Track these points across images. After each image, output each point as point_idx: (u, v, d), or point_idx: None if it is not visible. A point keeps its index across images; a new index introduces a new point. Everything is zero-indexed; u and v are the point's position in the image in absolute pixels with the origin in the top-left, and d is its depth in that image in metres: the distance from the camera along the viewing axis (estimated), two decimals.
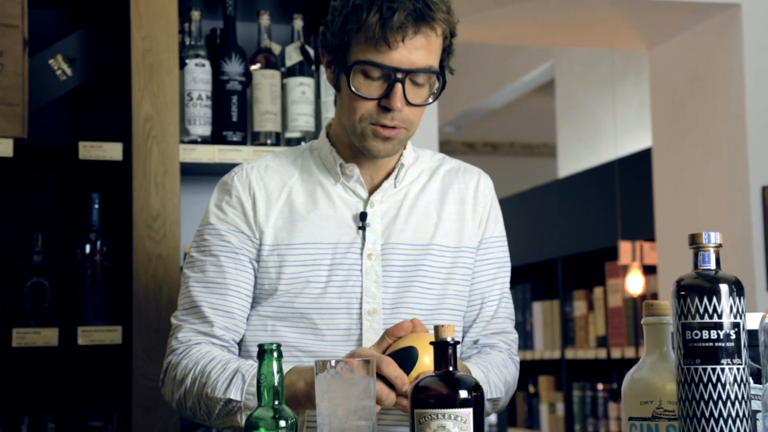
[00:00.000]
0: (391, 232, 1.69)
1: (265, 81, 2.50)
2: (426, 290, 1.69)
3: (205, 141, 2.46)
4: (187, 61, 2.46)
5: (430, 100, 1.65)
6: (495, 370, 1.69)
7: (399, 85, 1.58)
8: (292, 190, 1.71)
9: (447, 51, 1.65)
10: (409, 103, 1.60)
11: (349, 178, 1.71)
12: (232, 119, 2.48)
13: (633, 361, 4.84)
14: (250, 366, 1.59)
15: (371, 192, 1.71)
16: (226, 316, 1.66)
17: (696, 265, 1.28)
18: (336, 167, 1.71)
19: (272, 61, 2.52)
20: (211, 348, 1.65)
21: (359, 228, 1.68)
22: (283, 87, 2.53)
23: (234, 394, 1.56)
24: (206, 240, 1.70)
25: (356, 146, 1.67)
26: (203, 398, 1.60)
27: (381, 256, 1.68)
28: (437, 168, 1.79)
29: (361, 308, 1.66)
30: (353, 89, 1.61)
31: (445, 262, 1.71)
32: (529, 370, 5.88)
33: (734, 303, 1.25)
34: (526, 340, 5.71)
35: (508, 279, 1.81)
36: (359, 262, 1.67)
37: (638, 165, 4.85)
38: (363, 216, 1.68)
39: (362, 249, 1.68)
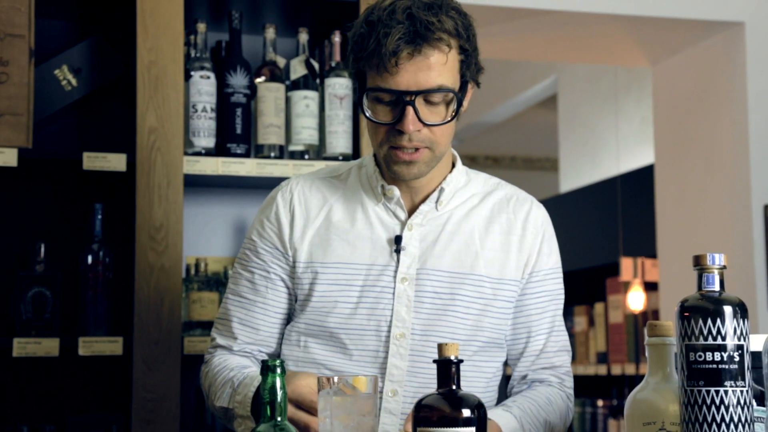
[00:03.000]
0: (428, 257, 1.68)
1: (270, 94, 2.50)
2: (460, 320, 1.66)
3: (209, 153, 2.46)
4: (192, 73, 2.46)
5: (449, 118, 1.61)
6: (532, 413, 1.64)
7: (409, 108, 1.57)
8: (332, 207, 1.72)
9: (466, 65, 1.63)
10: (424, 124, 1.59)
11: (390, 199, 1.70)
12: (236, 131, 2.49)
13: (633, 378, 4.83)
14: (243, 375, 1.63)
15: (411, 214, 1.70)
16: (252, 331, 1.72)
17: (700, 287, 1.28)
18: (378, 188, 1.70)
19: (277, 74, 2.52)
20: (229, 357, 1.72)
21: (394, 251, 1.67)
22: (288, 100, 2.54)
23: (225, 403, 1.63)
24: (246, 255, 1.75)
25: None
26: (213, 406, 1.69)
27: (415, 280, 1.66)
28: (489, 194, 1.75)
29: (389, 332, 1.65)
30: (368, 115, 1.61)
31: (484, 292, 1.68)
32: None
33: (738, 325, 1.25)
34: None
35: (560, 311, 1.76)
36: (392, 285, 1.66)
37: (640, 181, 4.85)
38: (398, 239, 1.67)
39: (396, 272, 1.66)
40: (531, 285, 1.73)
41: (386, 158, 1.63)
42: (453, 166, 1.74)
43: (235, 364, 1.69)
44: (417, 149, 1.61)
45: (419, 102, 1.58)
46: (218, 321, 1.77)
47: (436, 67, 1.57)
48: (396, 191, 1.69)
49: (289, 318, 1.74)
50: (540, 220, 1.76)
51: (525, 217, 1.74)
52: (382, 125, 1.60)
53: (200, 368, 1.79)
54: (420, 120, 1.58)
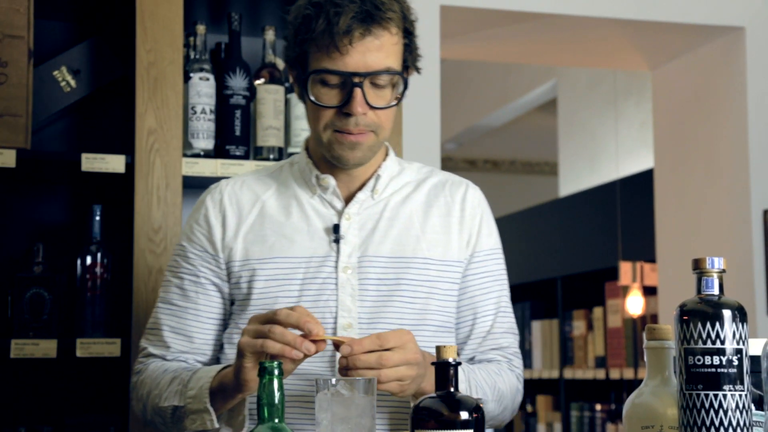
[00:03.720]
0: (369, 244, 1.66)
1: (269, 96, 2.50)
2: (407, 305, 1.64)
3: (207, 155, 2.46)
4: (191, 74, 2.46)
5: (394, 102, 1.61)
6: (482, 374, 1.64)
7: (358, 90, 1.56)
8: (265, 204, 1.70)
9: (408, 50, 1.62)
10: (371, 107, 1.58)
11: (325, 189, 1.68)
12: (236, 133, 2.49)
13: (632, 382, 4.83)
14: (192, 371, 1.60)
15: (348, 204, 1.68)
16: (185, 339, 1.68)
17: (699, 290, 1.28)
18: (312, 179, 1.68)
19: (276, 77, 2.52)
20: (166, 362, 1.68)
21: (333, 240, 1.65)
22: (287, 102, 2.54)
23: (176, 401, 1.58)
24: (176, 261, 1.72)
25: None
26: (156, 410, 1.63)
27: (357, 269, 1.64)
28: (424, 180, 1.75)
29: (336, 323, 1.62)
30: (313, 99, 1.59)
31: (430, 275, 1.67)
32: (527, 390, 5.86)
33: (737, 329, 1.25)
34: (524, 359, 5.70)
35: (505, 292, 1.75)
36: (334, 276, 1.64)
37: (640, 185, 4.85)
38: (336, 228, 1.65)
39: (337, 262, 1.64)
40: (473, 266, 1.71)
41: (330, 143, 1.61)
42: (386, 155, 1.73)
43: (176, 366, 1.66)
44: (361, 133, 1.59)
45: (366, 85, 1.57)
46: (148, 331, 1.72)
47: (385, 49, 1.57)
48: (331, 180, 1.67)
49: (224, 325, 1.70)
50: (477, 200, 1.74)
51: (462, 199, 1.73)
52: (327, 109, 1.59)
53: (132, 381, 1.73)
54: (367, 103, 1.57)
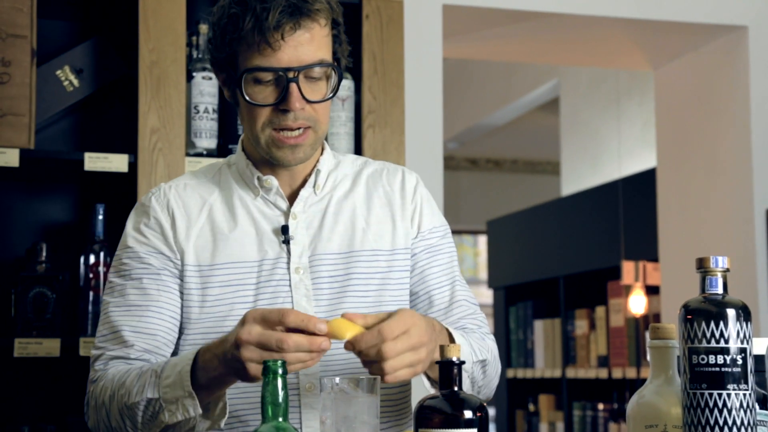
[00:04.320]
0: (317, 242, 1.63)
1: None
2: (360, 299, 1.62)
3: (210, 154, 2.46)
4: (194, 74, 2.46)
5: (330, 94, 1.59)
6: (475, 338, 1.62)
7: (293, 85, 1.54)
8: (212, 207, 1.65)
9: (337, 41, 1.61)
10: (308, 101, 1.56)
11: (268, 191, 1.65)
12: (238, 133, 2.49)
13: (634, 382, 4.83)
14: (164, 362, 1.52)
15: (292, 203, 1.66)
16: (148, 337, 1.60)
17: (703, 289, 1.28)
18: (254, 180, 1.65)
19: None
20: (128, 364, 1.59)
21: (283, 242, 1.62)
22: None
23: (150, 393, 1.49)
24: (126, 264, 1.64)
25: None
26: (124, 410, 1.53)
27: (309, 268, 1.62)
28: (360, 172, 1.72)
29: None
30: (247, 98, 1.56)
31: (380, 266, 1.65)
32: (529, 389, 5.87)
33: (741, 328, 1.25)
34: (526, 358, 5.70)
35: (455, 265, 1.72)
36: (287, 277, 1.61)
37: (642, 185, 4.85)
38: (285, 229, 1.62)
39: (289, 263, 1.62)
40: (418, 243, 1.69)
41: (269, 143, 1.58)
42: (322, 150, 1.70)
43: (142, 364, 1.57)
44: (302, 131, 1.57)
45: (301, 79, 1.55)
46: (102, 338, 1.61)
47: (316, 41, 1.55)
48: (274, 181, 1.64)
49: (181, 327, 1.63)
50: (413, 184, 1.72)
51: (401, 186, 1.71)
52: (263, 108, 1.56)
53: (89, 391, 1.61)
54: (303, 98, 1.55)
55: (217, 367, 1.45)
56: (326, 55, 1.58)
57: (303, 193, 1.66)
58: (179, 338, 1.63)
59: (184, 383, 1.47)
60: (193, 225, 1.64)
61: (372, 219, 1.68)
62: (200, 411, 1.48)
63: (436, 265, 1.70)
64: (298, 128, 1.57)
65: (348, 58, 1.65)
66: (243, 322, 1.41)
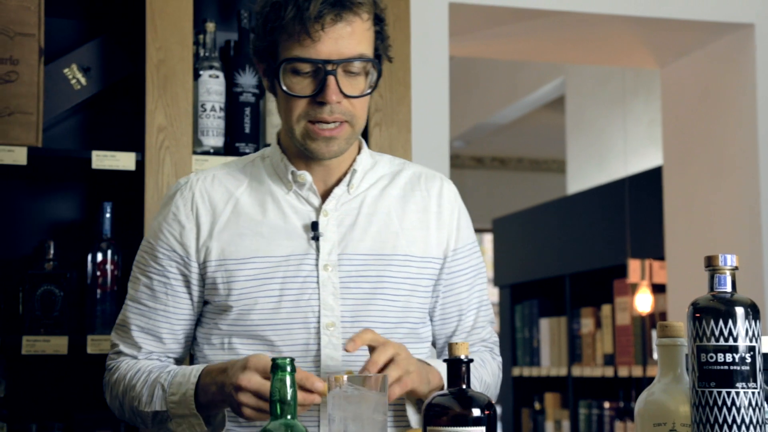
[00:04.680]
0: (348, 241, 1.62)
1: None
2: (390, 302, 1.62)
3: (217, 152, 2.47)
4: (201, 72, 2.47)
5: (368, 90, 1.58)
6: (474, 366, 1.65)
7: (331, 78, 1.53)
8: (239, 201, 1.64)
9: (380, 38, 1.60)
10: (345, 95, 1.55)
11: (302, 186, 1.64)
12: (245, 131, 2.49)
13: (641, 380, 4.83)
14: (167, 374, 1.58)
15: (325, 200, 1.65)
16: (154, 339, 1.65)
17: (711, 288, 1.28)
18: (288, 175, 1.64)
19: None
20: (138, 362, 1.65)
21: (312, 238, 1.61)
22: None
23: (158, 406, 1.56)
24: (143, 258, 1.67)
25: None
26: (135, 412, 1.61)
27: (338, 266, 1.61)
28: (398, 173, 1.71)
29: (318, 322, 1.59)
30: (285, 88, 1.55)
31: (411, 272, 1.65)
32: (535, 387, 5.87)
33: (750, 326, 1.25)
34: (532, 356, 5.70)
35: (484, 285, 1.75)
36: (315, 274, 1.60)
37: (648, 183, 4.84)
38: (314, 226, 1.61)
39: (317, 260, 1.61)
40: (456, 262, 1.70)
41: (304, 135, 1.57)
42: (360, 149, 1.70)
43: (150, 367, 1.62)
44: (338, 124, 1.56)
45: (339, 73, 1.54)
46: (119, 327, 1.68)
47: (357, 35, 1.54)
48: (308, 176, 1.63)
49: (194, 323, 1.67)
50: (453, 195, 1.73)
51: (438, 194, 1.71)
52: (300, 99, 1.55)
53: (104, 380, 1.70)
54: (341, 91, 1.54)
55: (215, 393, 1.51)
56: (367, 50, 1.56)
57: (337, 191, 1.65)
58: (208, 326, 1.65)
59: (189, 405, 1.54)
60: (218, 219, 1.63)
61: (406, 223, 1.67)
62: (206, 429, 1.56)
63: (472, 287, 1.72)
64: (334, 122, 1.56)
65: (389, 56, 1.63)
66: (245, 367, 1.45)
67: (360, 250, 1.63)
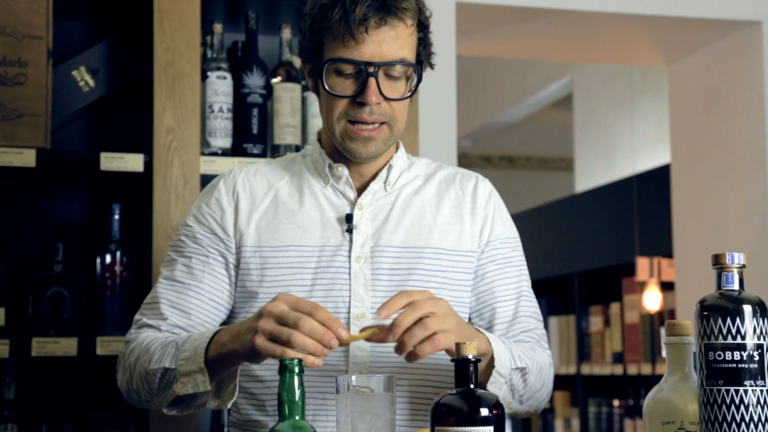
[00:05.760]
0: (381, 234, 1.66)
1: (286, 94, 2.51)
2: None
3: (225, 153, 2.47)
4: (208, 73, 2.47)
5: (408, 94, 1.62)
6: (521, 348, 1.63)
7: (372, 80, 1.57)
8: (278, 191, 1.70)
9: (422, 44, 1.64)
10: (385, 98, 1.59)
11: (338, 179, 1.68)
12: (253, 132, 2.50)
13: (649, 378, 4.82)
14: (187, 335, 1.57)
15: (361, 194, 1.69)
16: (182, 314, 1.65)
17: (719, 286, 1.28)
18: (325, 168, 1.69)
19: (293, 75, 2.53)
20: (158, 333, 1.64)
21: (346, 230, 1.65)
22: (304, 100, 2.54)
23: (167, 363, 1.55)
24: (182, 241, 1.70)
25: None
26: (144, 374, 1.59)
27: (370, 259, 1.64)
28: (433, 174, 1.75)
29: (349, 312, 1.62)
30: (327, 88, 1.60)
31: (442, 265, 1.67)
32: None
33: (758, 324, 1.24)
34: None
35: (525, 278, 1.75)
36: (347, 265, 1.64)
37: (656, 181, 4.83)
38: (349, 218, 1.65)
39: (350, 252, 1.64)
40: (488, 253, 1.71)
41: (343, 135, 1.62)
42: (397, 149, 1.73)
43: (169, 335, 1.62)
44: (377, 125, 1.60)
45: (380, 75, 1.58)
46: (145, 306, 1.69)
47: (400, 40, 1.58)
48: (344, 170, 1.67)
49: (226, 309, 1.68)
50: (488, 192, 1.75)
51: (473, 191, 1.74)
52: (341, 99, 1.60)
53: (121, 352, 1.69)
54: (381, 93, 1.58)
55: (225, 344, 1.49)
56: (409, 55, 1.60)
57: (373, 186, 1.69)
58: (240, 315, 1.66)
59: (198, 359, 1.51)
60: (257, 207, 1.68)
61: (440, 218, 1.70)
62: (209, 388, 1.53)
63: (505, 277, 1.72)
64: (373, 123, 1.60)
65: (431, 63, 1.67)
66: (275, 299, 1.45)
67: (392, 243, 1.66)
